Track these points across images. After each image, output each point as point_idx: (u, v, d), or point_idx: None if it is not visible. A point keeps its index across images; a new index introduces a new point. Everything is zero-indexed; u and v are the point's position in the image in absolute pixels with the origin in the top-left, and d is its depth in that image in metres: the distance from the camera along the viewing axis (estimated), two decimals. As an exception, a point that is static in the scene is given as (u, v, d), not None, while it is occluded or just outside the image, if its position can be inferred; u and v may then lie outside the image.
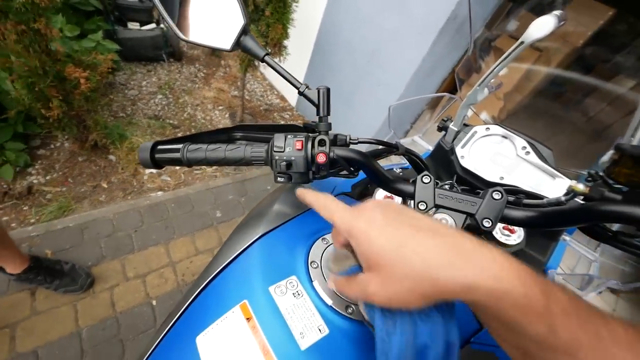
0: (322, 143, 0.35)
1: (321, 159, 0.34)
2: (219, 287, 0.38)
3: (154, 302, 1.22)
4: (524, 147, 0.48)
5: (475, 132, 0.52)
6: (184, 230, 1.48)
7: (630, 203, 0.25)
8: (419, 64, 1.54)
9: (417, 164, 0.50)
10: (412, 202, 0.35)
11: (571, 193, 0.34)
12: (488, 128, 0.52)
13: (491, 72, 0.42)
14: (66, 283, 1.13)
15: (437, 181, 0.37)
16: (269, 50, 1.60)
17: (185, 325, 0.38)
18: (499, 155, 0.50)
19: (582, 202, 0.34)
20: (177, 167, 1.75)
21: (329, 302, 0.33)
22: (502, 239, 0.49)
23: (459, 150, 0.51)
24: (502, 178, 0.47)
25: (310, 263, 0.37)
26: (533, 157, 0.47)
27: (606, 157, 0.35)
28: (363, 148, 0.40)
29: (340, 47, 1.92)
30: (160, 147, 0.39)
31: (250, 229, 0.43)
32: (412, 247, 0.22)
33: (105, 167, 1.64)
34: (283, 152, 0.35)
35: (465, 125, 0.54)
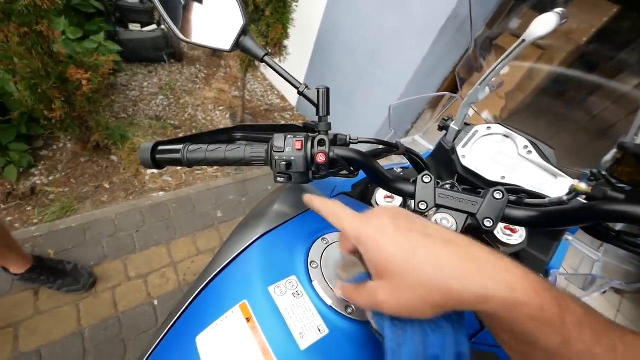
0: (321, 143, 0.35)
1: (321, 158, 0.34)
2: (219, 287, 0.38)
3: (156, 302, 1.23)
4: (526, 146, 0.48)
5: (477, 131, 0.52)
6: (186, 231, 1.48)
7: (633, 202, 0.24)
8: (419, 63, 1.53)
9: (418, 163, 0.50)
10: (413, 201, 0.35)
11: (573, 192, 0.33)
12: (489, 127, 0.51)
13: (492, 70, 0.42)
14: (69, 283, 1.14)
15: (438, 181, 0.36)
16: (269, 51, 1.61)
17: (185, 325, 0.38)
18: (501, 155, 0.49)
19: (584, 201, 0.34)
20: (178, 168, 1.76)
21: (329, 302, 0.33)
22: (504, 238, 0.49)
23: (460, 150, 0.51)
24: (503, 177, 0.47)
25: (310, 263, 0.37)
26: (535, 156, 0.47)
27: (609, 156, 0.34)
28: (363, 148, 0.40)
29: (340, 47, 1.92)
30: (160, 147, 0.39)
31: (250, 229, 0.42)
32: (423, 255, 0.21)
33: (107, 167, 1.65)
34: (283, 152, 0.35)
35: (467, 124, 0.54)
